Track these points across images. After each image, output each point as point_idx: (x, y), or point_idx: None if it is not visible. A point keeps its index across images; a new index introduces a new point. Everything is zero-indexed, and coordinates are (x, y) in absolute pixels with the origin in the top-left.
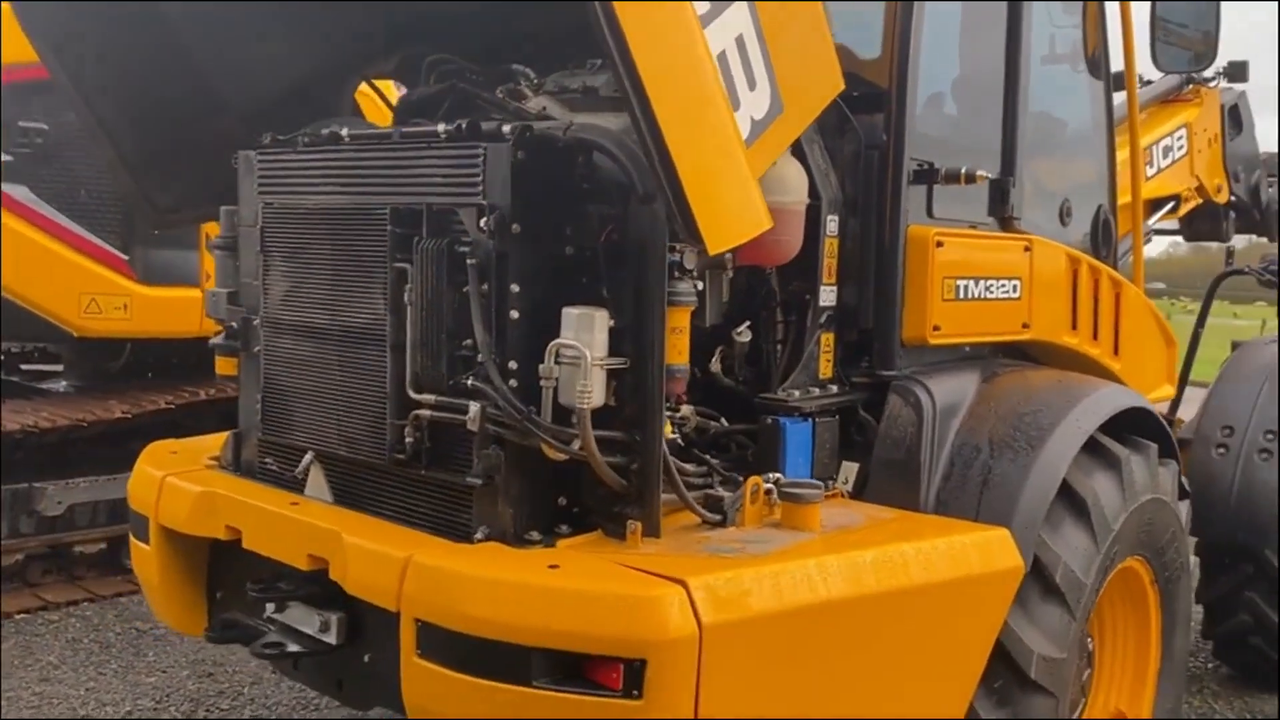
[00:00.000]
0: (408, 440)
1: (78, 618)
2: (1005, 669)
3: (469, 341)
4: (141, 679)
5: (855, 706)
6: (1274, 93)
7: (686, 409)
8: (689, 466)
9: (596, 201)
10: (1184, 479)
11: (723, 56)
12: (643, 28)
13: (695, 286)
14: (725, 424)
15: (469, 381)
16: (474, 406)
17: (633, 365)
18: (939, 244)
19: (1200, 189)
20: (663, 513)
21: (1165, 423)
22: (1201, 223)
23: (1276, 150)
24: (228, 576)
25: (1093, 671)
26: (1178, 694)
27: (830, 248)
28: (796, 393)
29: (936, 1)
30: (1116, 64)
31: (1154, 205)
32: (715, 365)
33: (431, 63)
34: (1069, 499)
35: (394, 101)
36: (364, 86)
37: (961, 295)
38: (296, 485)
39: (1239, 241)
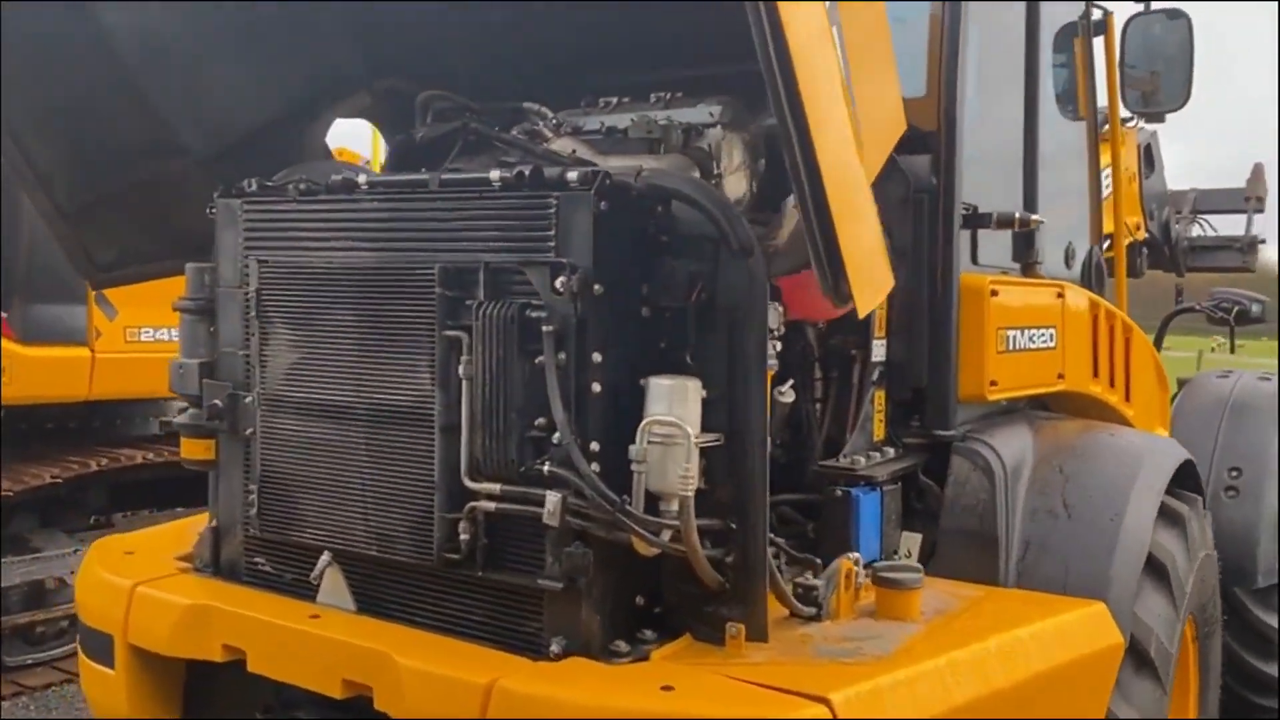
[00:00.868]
0: (462, 538)
1: None
2: None
3: (541, 420)
4: None
5: None
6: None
7: None
8: None
9: (676, 256)
10: None
11: None
12: (809, 78)
13: (775, 348)
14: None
15: (545, 468)
16: (552, 497)
17: (727, 441)
18: (994, 292)
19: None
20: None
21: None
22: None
23: (1190, 186)
24: (213, 703)
25: None
26: None
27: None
28: (862, 459)
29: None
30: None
31: None
32: None
33: (426, 100)
34: (1150, 565)
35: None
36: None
37: (1011, 346)
38: (301, 591)
39: None
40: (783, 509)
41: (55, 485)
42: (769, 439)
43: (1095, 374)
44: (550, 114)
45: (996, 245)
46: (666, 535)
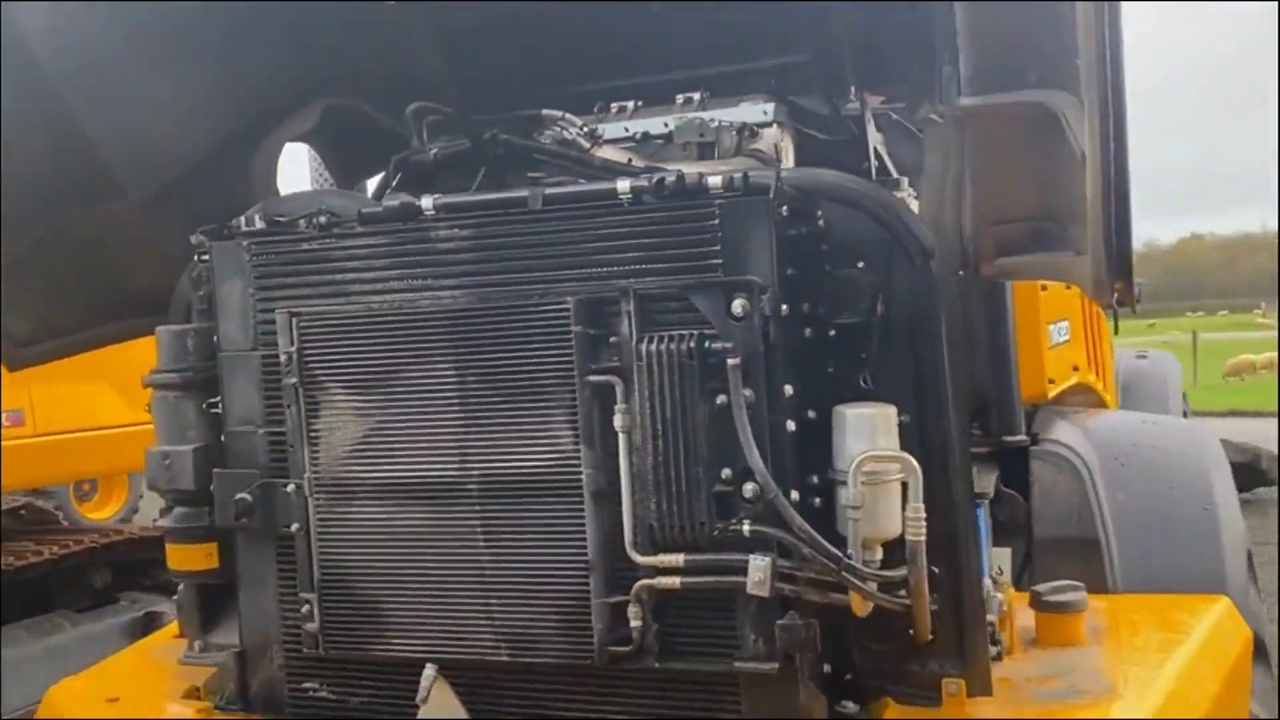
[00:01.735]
0: (632, 625)
1: None
2: None
3: (726, 472)
4: None
5: None
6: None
7: None
8: None
9: (839, 266)
10: None
11: None
12: None
13: None
14: None
15: (745, 528)
16: (759, 562)
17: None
18: (1043, 288)
19: None
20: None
21: None
22: None
23: None
24: None
25: None
26: None
27: None
28: None
29: None
30: None
31: None
32: None
33: (419, 112)
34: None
35: None
36: None
37: (1053, 342)
38: (374, 715)
39: None
40: None
41: None
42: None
43: (1088, 363)
44: (579, 121)
45: None
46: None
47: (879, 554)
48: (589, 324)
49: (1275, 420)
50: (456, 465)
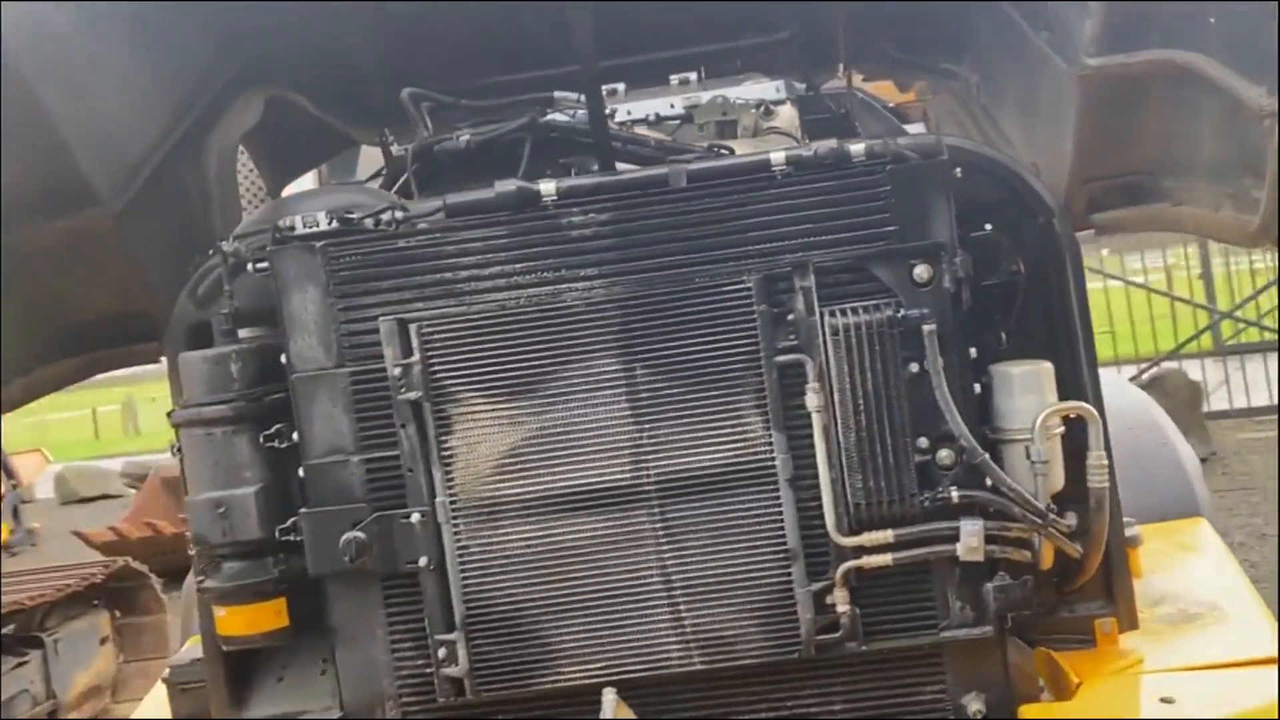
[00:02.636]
0: (840, 610)
1: None
2: None
3: (923, 442)
4: None
5: None
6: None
7: None
8: None
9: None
10: None
11: None
12: None
13: None
14: None
15: (953, 494)
16: (971, 526)
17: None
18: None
19: None
20: None
21: None
22: None
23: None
24: None
25: None
26: None
27: None
28: None
29: None
30: None
31: None
32: None
33: (414, 97)
34: None
35: None
36: None
37: None
38: None
39: None
40: None
41: None
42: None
43: None
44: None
45: None
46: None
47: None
48: (772, 301)
49: None
50: (629, 467)
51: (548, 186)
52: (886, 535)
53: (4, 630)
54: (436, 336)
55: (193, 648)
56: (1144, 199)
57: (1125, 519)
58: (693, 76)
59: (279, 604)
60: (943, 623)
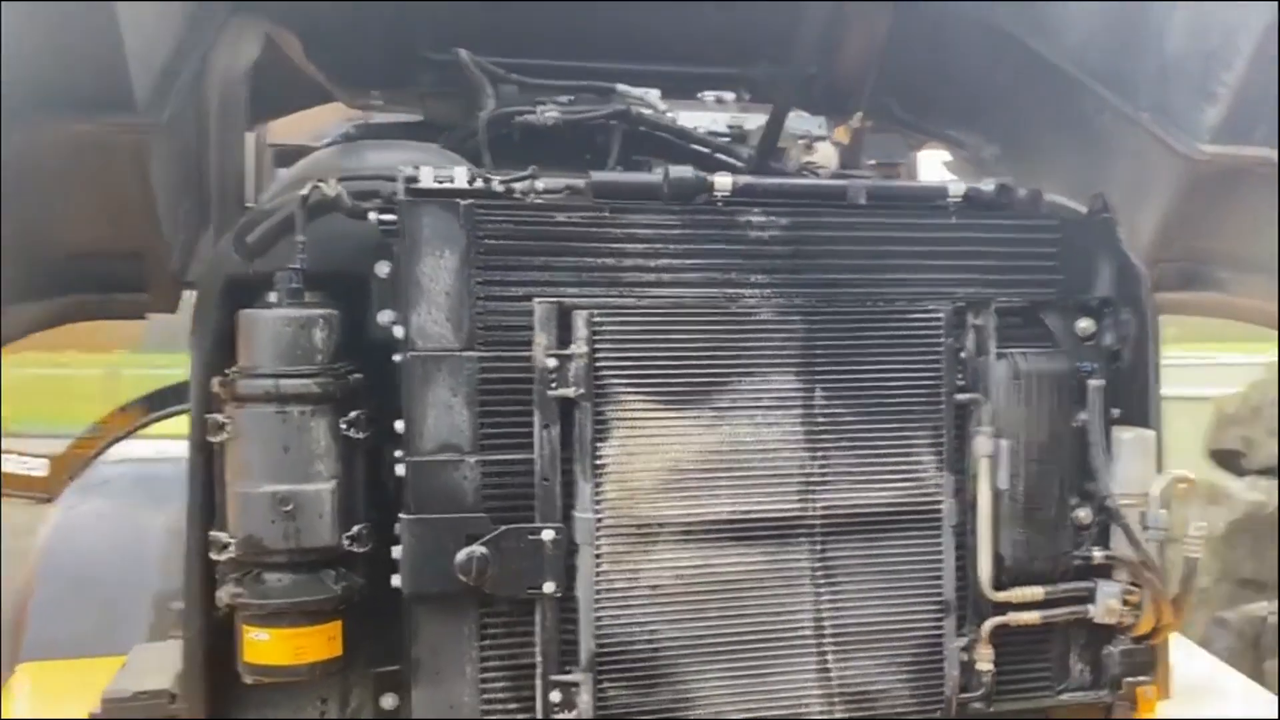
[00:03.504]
0: (981, 668)
1: None
2: None
3: (1074, 499)
4: None
5: None
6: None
7: None
8: None
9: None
10: None
11: None
12: None
13: None
14: None
15: (1096, 554)
16: (1109, 589)
17: None
18: None
19: None
20: None
21: None
22: None
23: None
24: None
25: None
26: None
27: None
28: None
29: None
30: None
31: None
32: None
33: (475, 64)
34: None
35: None
36: None
37: None
38: None
39: None
40: None
41: None
42: None
43: None
44: (661, 103)
45: None
46: None
47: None
48: (956, 336)
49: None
50: (797, 498)
51: (723, 180)
52: (1037, 592)
53: None
54: (606, 328)
55: (123, 674)
56: (1198, 285)
57: None
58: (730, 96)
59: (334, 628)
60: (1059, 685)
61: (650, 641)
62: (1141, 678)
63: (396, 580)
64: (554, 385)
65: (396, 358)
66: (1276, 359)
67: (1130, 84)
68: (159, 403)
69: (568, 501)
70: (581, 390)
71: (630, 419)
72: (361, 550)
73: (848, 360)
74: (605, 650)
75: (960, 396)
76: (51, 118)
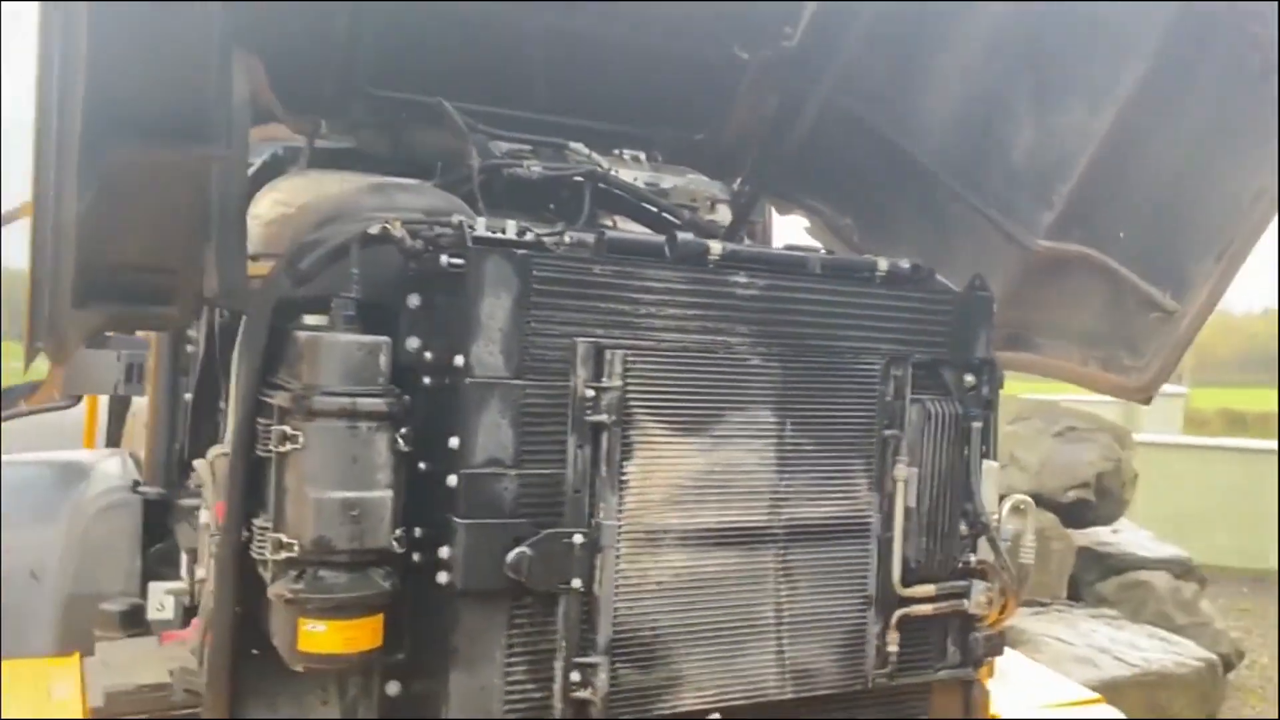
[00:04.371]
0: (890, 650)
1: None
2: None
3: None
4: None
5: None
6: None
7: None
8: None
9: None
10: None
11: None
12: None
13: None
14: None
15: (972, 559)
16: (980, 585)
17: None
18: None
19: None
20: None
21: None
22: None
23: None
24: None
25: None
26: None
27: None
28: None
29: None
30: None
31: None
32: None
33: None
34: None
35: None
36: None
37: None
38: None
39: None
40: None
41: None
42: None
43: None
44: (604, 161)
45: None
46: None
47: None
48: (887, 384)
49: None
50: (767, 510)
51: (715, 245)
52: (930, 589)
53: None
54: (635, 366)
55: (101, 671)
56: (1019, 346)
57: None
58: (643, 155)
59: (379, 620)
60: (939, 664)
61: (653, 630)
62: (995, 657)
63: (443, 577)
64: (589, 412)
65: (426, 380)
66: None
67: (980, 185)
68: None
69: (590, 511)
70: (613, 417)
71: (648, 442)
72: (401, 551)
73: (811, 399)
74: (619, 637)
75: (886, 432)
76: (138, 143)
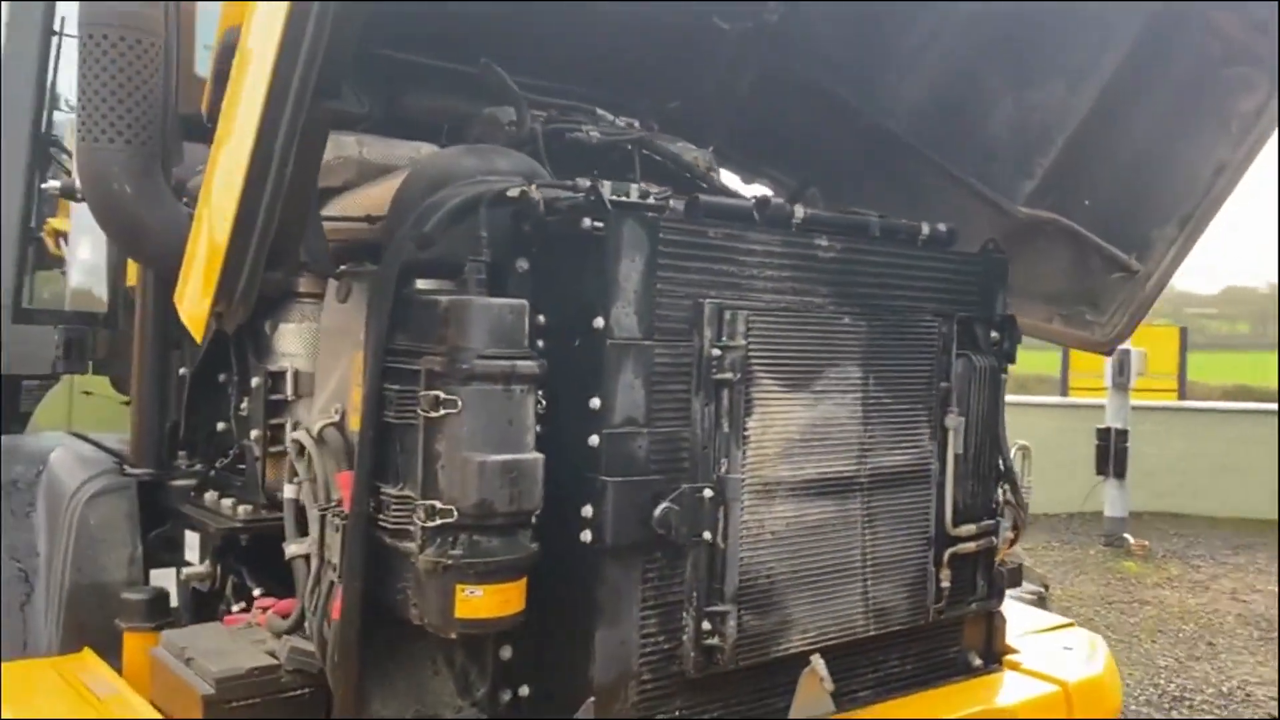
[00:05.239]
0: (943, 585)
1: None
2: None
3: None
4: None
5: None
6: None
7: None
8: None
9: None
10: None
11: None
12: None
13: None
14: None
15: (1001, 499)
16: (1005, 524)
17: None
18: None
19: None
20: None
21: None
22: None
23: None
24: None
25: None
26: None
27: None
28: None
29: None
30: None
31: None
32: None
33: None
34: None
35: None
36: None
37: None
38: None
39: None
40: None
41: None
42: None
43: None
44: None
45: None
46: None
47: None
48: (941, 340)
49: None
50: (855, 460)
51: (799, 210)
52: (972, 528)
53: None
54: (759, 326)
55: (233, 649)
56: None
57: None
58: (637, 123)
59: (524, 583)
60: (970, 597)
61: (769, 577)
62: (1012, 589)
63: (586, 535)
64: (715, 371)
65: (539, 343)
66: None
67: (959, 157)
68: None
69: (714, 465)
70: (738, 375)
71: (764, 399)
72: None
73: (887, 355)
74: (744, 585)
75: (942, 384)
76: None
